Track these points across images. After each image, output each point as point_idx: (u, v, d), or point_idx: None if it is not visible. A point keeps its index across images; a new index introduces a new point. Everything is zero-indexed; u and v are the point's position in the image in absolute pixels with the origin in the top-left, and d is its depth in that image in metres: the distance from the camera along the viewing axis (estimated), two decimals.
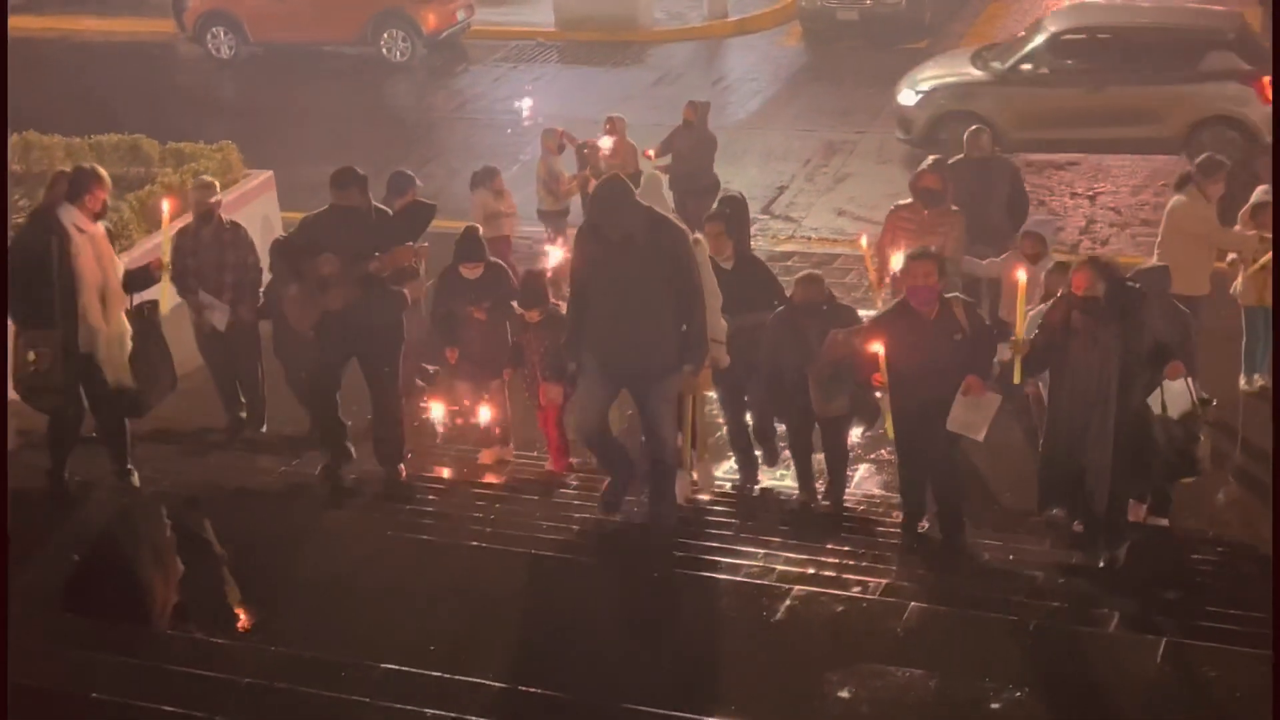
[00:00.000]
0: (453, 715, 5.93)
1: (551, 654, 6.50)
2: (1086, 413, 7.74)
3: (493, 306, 9.72)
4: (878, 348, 7.88)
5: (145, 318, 8.61)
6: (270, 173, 14.27)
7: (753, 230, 15.26)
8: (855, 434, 9.77)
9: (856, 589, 7.18)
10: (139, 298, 8.65)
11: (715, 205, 10.52)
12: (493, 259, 10.12)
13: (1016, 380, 7.95)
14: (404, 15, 22.61)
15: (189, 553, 7.64)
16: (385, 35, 22.76)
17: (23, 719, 5.80)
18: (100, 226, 8.42)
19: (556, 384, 9.28)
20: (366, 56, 22.79)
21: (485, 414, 9.99)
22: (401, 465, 9.18)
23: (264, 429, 10.49)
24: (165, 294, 8.59)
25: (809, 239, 15.27)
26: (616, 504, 8.43)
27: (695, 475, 9.14)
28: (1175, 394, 8.09)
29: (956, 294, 8.34)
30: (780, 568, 7.54)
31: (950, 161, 11.35)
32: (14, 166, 13.63)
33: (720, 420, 10.03)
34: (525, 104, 19.98)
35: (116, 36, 25.23)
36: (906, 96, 17.21)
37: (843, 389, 8.64)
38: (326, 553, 7.65)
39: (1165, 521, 8.67)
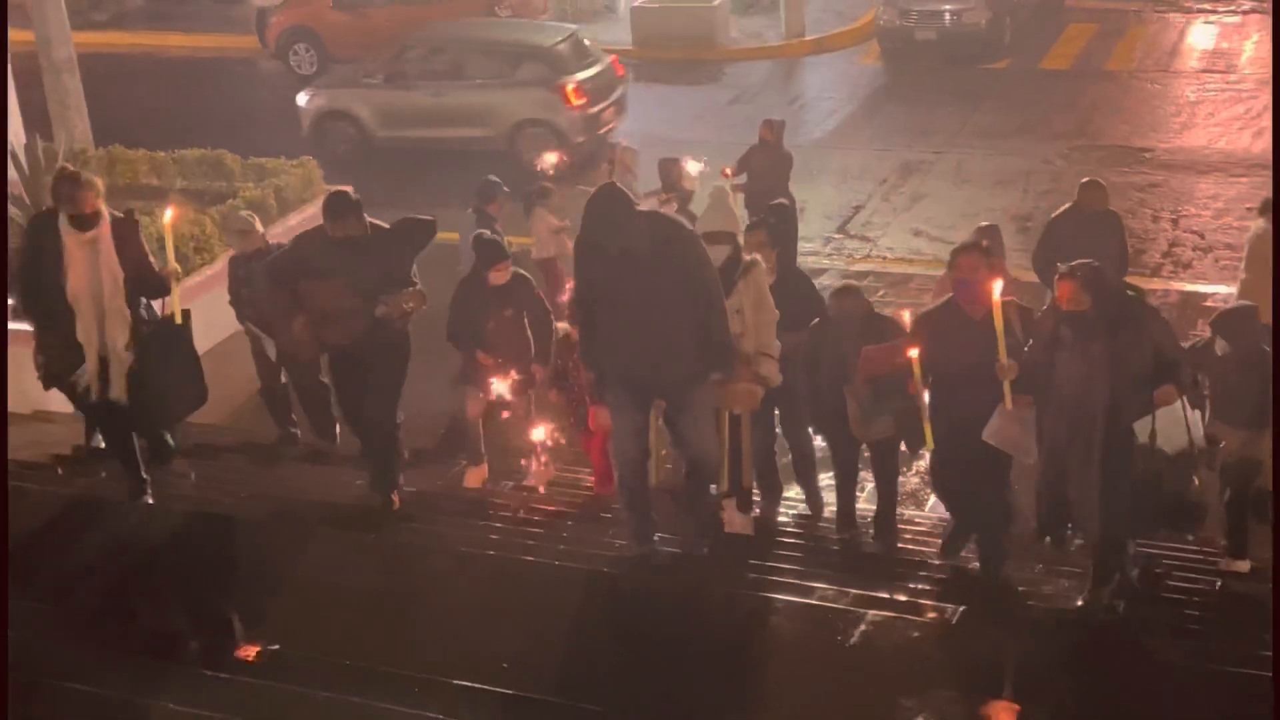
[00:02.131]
0: None
1: (623, 675, 6.47)
2: (1071, 435, 7.15)
3: (514, 315, 9.46)
4: (914, 351, 7.37)
5: (171, 328, 8.29)
6: (349, 189, 14.37)
7: (827, 249, 15.36)
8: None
9: (933, 614, 7.10)
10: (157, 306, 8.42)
11: (763, 215, 10.13)
12: (518, 270, 9.79)
13: (1008, 406, 7.31)
14: None
15: (261, 565, 7.68)
16: None
17: None
18: (97, 232, 7.89)
19: (604, 406, 8.65)
20: None
21: (539, 432, 9.71)
22: (396, 494, 8.82)
23: (337, 443, 10.54)
24: (176, 304, 8.24)
25: (884, 259, 15.18)
26: (648, 537, 7.87)
27: (730, 513, 8.49)
28: (1170, 424, 7.24)
29: (1013, 298, 7.77)
30: (855, 591, 7.45)
31: (1057, 213, 11.17)
32: (99, 180, 13.86)
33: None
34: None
35: (200, 52, 25.59)
36: (301, 98, 19.36)
37: (885, 409, 8.02)
38: (400, 568, 7.69)
39: (1245, 566, 8.10)
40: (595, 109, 18.33)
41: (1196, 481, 7.43)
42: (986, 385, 7.33)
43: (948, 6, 22.25)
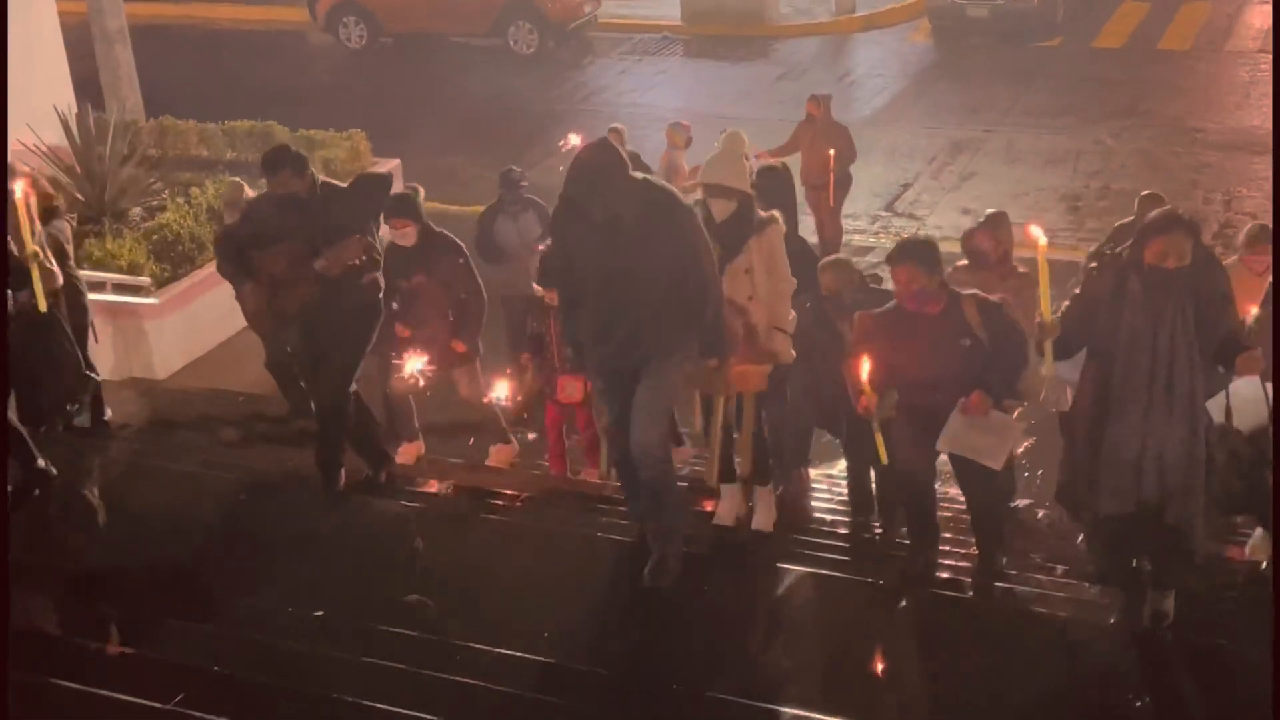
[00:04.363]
0: (560, 701, 5.96)
1: (662, 645, 6.48)
2: (1144, 424, 6.04)
3: (431, 281, 8.79)
4: (865, 365, 6.46)
5: (35, 317, 7.58)
6: (398, 161, 14.48)
7: (875, 227, 15.28)
8: None
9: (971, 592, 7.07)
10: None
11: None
12: (437, 228, 9.02)
13: (1046, 371, 6.27)
14: (532, 7, 22.76)
15: (304, 534, 7.75)
16: (512, 27, 22.93)
17: (161, 691, 5.95)
18: None
19: (575, 378, 8.28)
20: (494, 48, 22.98)
21: (502, 389, 9.25)
22: (342, 472, 8.20)
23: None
24: (38, 289, 7.47)
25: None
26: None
27: (740, 502, 7.80)
28: (1245, 401, 6.53)
29: (974, 291, 6.90)
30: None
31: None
32: (150, 150, 13.98)
33: None
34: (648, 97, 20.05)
35: (251, 25, 25.72)
36: None
37: (889, 390, 6.88)
38: (444, 539, 7.73)
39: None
40: None
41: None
42: (942, 394, 6.63)
43: None
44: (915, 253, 6.68)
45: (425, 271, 8.79)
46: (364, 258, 7.67)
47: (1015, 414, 7.17)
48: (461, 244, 9.11)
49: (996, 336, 6.64)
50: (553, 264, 7.57)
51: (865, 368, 6.48)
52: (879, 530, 8.24)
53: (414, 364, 8.92)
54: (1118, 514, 6.16)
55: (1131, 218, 10.11)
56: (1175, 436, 6.03)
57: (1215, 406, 6.38)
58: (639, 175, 6.50)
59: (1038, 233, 6.10)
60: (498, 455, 9.51)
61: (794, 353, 7.44)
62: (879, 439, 6.74)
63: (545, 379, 8.87)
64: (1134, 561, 6.49)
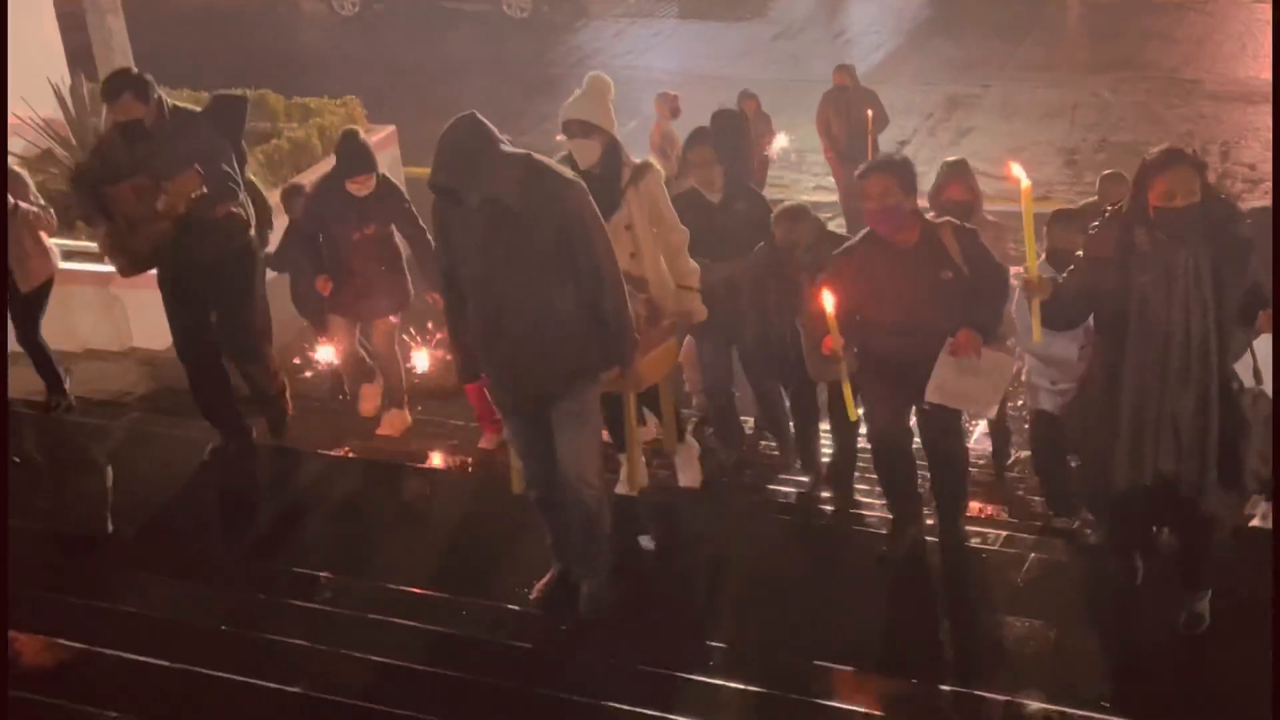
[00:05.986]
0: (555, 655, 6.00)
1: (670, 598, 6.52)
2: (1161, 390, 5.41)
3: (379, 231, 8.39)
4: (828, 300, 5.67)
5: None
6: (393, 127, 14.44)
7: None
8: None
9: (976, 540, 7.10)
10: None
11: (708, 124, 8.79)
12: (384, 173, 8.52)
13: (1036, 338, 5.55)
14: None
15: (297, 496, 7.79)
16: None
17: (184, 652, 5.99)
18: None
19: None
20: (488, 12, 22.91)
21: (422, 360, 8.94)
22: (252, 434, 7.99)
23: None
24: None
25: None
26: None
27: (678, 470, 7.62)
28: (1264, 358, 5.85)
29: (948, 218, 6.28)
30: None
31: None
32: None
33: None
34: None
35: None
36: None
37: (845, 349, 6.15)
38: (446, 497, 7.76)
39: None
40: None
41: None
42: (920, 335, 6.02)
43: None
44: (890, 166, 6.10)
45: (377, 218, 8.38)
46: (204, 190, 6.92)
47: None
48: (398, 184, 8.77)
49: (978, 267, 6.02)
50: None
51: (830, 302, 5.69)
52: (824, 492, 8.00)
53: (323, 354, 8.86)
54: (1134, 486, 5.60)
55: (1095, 198, 9.51)
56: (1188, 402, 5.42)
57: (1243, 368, 5.67)
58: (517, 151, 5.49)
59: (1019, 172, 5.27)
60: (390, 422, 9.00)
61: (705, 308, 7.11)
62: (847, 390, 6.01)
63: None
64: (1146, 532, 6.10)
